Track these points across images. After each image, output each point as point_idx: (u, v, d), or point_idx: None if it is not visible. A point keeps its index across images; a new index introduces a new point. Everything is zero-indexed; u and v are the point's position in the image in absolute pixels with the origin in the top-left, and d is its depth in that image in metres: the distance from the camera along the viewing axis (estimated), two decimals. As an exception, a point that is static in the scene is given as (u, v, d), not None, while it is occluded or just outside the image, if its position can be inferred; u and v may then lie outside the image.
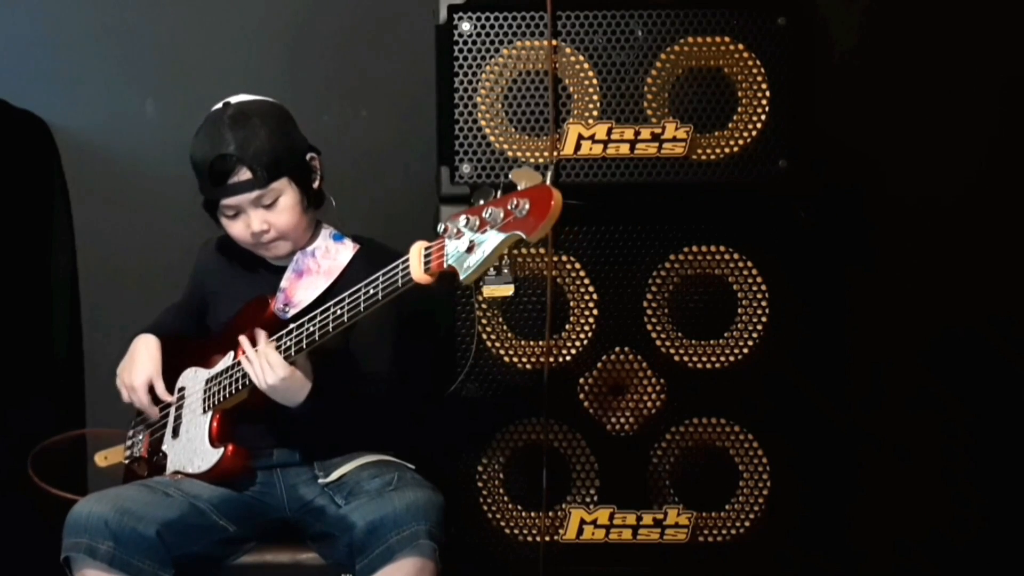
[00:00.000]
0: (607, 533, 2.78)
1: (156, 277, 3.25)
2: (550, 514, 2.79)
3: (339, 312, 2.41)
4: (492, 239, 2.19)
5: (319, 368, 2.51)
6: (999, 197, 3.27)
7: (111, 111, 3.38)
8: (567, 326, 2.78)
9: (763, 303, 2.77)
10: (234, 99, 2.63)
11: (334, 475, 2.59)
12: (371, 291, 2.37)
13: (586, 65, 2.74)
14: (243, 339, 2.52)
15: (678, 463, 2.79)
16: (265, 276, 2.68)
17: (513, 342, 2.78)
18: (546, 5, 2.72)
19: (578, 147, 2.74)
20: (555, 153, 2.73)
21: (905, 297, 3.29)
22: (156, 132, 3.37)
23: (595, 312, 2.78)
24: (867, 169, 3.27)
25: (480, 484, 2.79)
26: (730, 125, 2.75)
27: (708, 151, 2.75)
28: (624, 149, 2.74)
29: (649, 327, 2.78)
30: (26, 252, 3.23)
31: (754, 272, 2.77)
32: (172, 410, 2.67)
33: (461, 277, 2.24)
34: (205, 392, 2.61)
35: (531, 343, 2.78)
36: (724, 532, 2.79)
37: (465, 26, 2.74)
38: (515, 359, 2.78)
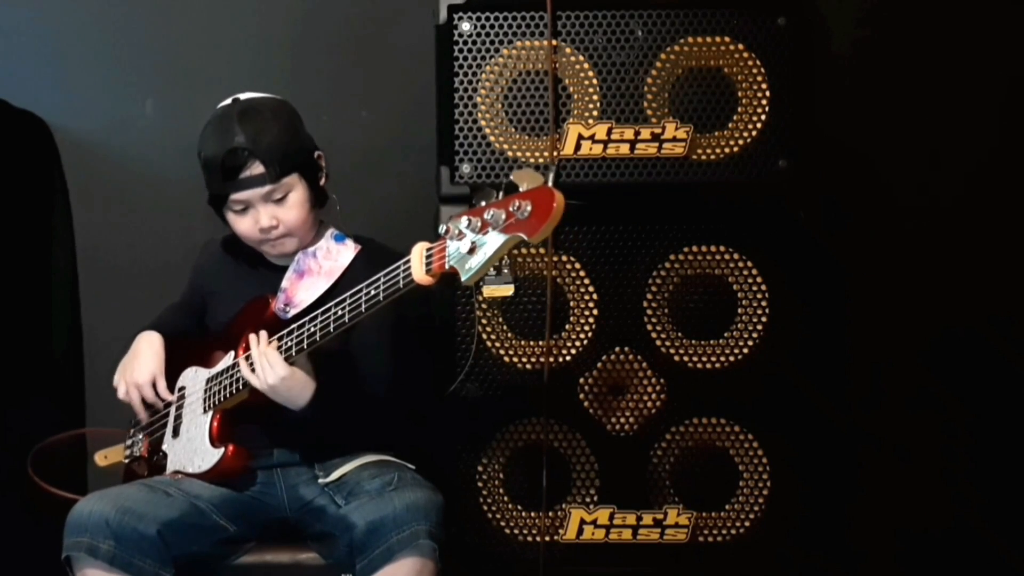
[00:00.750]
0: (607, 533, 2.78)
1: (156, 277, 3.25)
2: (550, 514, 2.79)
3: (340, 313, 2.41)
4: (494, 240, 2.19)
5: (322, 370, 2.51)
6: (999, 197, 3.27)
7: (111, 111, 3.38)
8: (567, 326, 2.78)
9: (763, 303, 2.77)
10: (242, 96, 2.63)
11: (334, 475, 2.59)
12: (372, 292, 2.37)
13: (586, 65, 2.74)
14: (252, 337, 2.52)
15: (678, 463, 2.79)
16: (266, 276, 2.68)
17: (513, 342, 2.78)
18: (546, 5, 2.72)
19: (578, 147, 2.74)
20: (555, 153, 2.73)
21: (905, 297, 3.29)
22: (156, 132, 3.37)
23: (595, 312, 2.78)
24: (867, 169, 3.27)
25: (480, 484, 2.79)
26: (730, 125, 2.75)
27: (708, 151, 2.75)
28: (624, 149, 2.74)
29: (649, 327, 2.78)
30: (26, 252, 3.23)
31: (754, 272, 2.77)
32: (172, 410, 2.67)
33: (463, 278, 2.24)
34: (205, 392, 2.61)
35: (531, 343, 2.78)
36: (724, 532, 2.79)
37: (465, 26, 2.74)
38: (515, 359, 2.78)
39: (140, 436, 2.74)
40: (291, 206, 2.60)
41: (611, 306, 2.78)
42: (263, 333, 2.50)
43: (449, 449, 2.79)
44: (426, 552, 2.39)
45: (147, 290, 3.12)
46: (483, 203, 2.22)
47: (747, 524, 2.79)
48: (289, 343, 2.47)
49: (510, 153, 2.75)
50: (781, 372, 2.76)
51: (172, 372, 2.69)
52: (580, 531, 2.79)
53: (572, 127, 2.74)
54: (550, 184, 2.17)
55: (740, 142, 2.75)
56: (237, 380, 2.54)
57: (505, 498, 2.80)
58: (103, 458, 2.83)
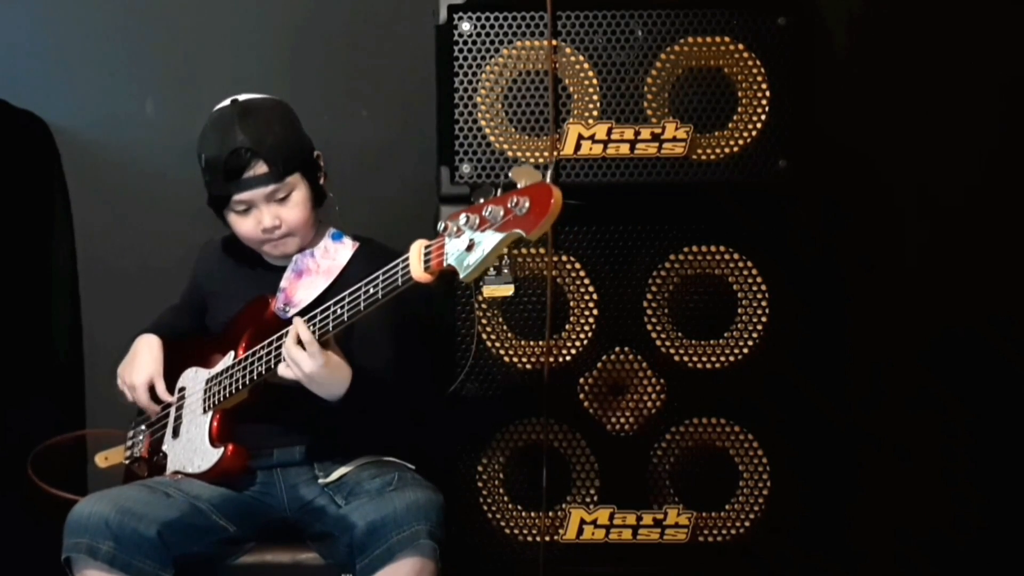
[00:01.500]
0: (607, 533, 2.78)
1: (156, 277, 3.25)
2: (550, 514, 2.79)
3: (339, 311, 2.41)
4: (492, 237, 2.19)
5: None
6: (999, 197, 3.27)
7: (111, 111, 3.38)
8: (567, 326, 2.78)
9: (763, 303, 2.77)
10: (240, 97, 2.63)
11: (334, 475, 2.59)
12: (371, 290, 2.37)
13: (586, 65, 2.74)
14: (298, 320, 2.44)
15: (678, 463, 2.79)
16: (265, 276, 2.68)
17: (513, 342, 2.78)
18: (546, 5, 2.72)
19: (578, 147, 2.74)
20: (555, 153, 2.73)
21: (905, 297, 3.29)
22: (156, 132, 3.37)
23: (595, 312, 2.78)
24: (867, 169, 3.27)
25: (480, 484, 2.79)
26: (730, 125, 2.75)
27: (708, 151, 2.75)
28: (624, 149, 2.74)
29: (649, 327, 2.78)
30: (26, 252, 3.23)
31: (754, 272, 2.77)
32: (172, 410, 2.68)
33: (461, 275, 2.24)
34: (205, 392, 2.61)
35: (531, 343, 2.78)
36: (724, 532, 2.79)
37: (465, 26, 2.74)
38: (515, 359, 2.78)
39: (140, 437, 2.74)
40: (293, 205, 2.60)
41: (611, 306, 2.78)
42: (298, 320, 2.45)
43: (449, 449, 2.79)
44: (426, 552, 2.39)
45: (147, 290, 3.12)
46: (481, 200, 2.22)
47: (747, 524, 2.79)
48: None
49: (510, 153, 2.75)
50: (781, 372, 2.76)
51: (172, 372, 2.70)
52: (580, 531, 2.79)
53: (572, 127, 2.74)
54: (548, 180, 2.17)
55: (740, 142, 2.75)
56: (237, 380, 2.54)
57: (505, 498, 2.80)
58: (103, 459, 2.83)
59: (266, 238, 2.62)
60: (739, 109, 2.75)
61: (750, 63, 2.74)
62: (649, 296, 2.78)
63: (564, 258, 2.77)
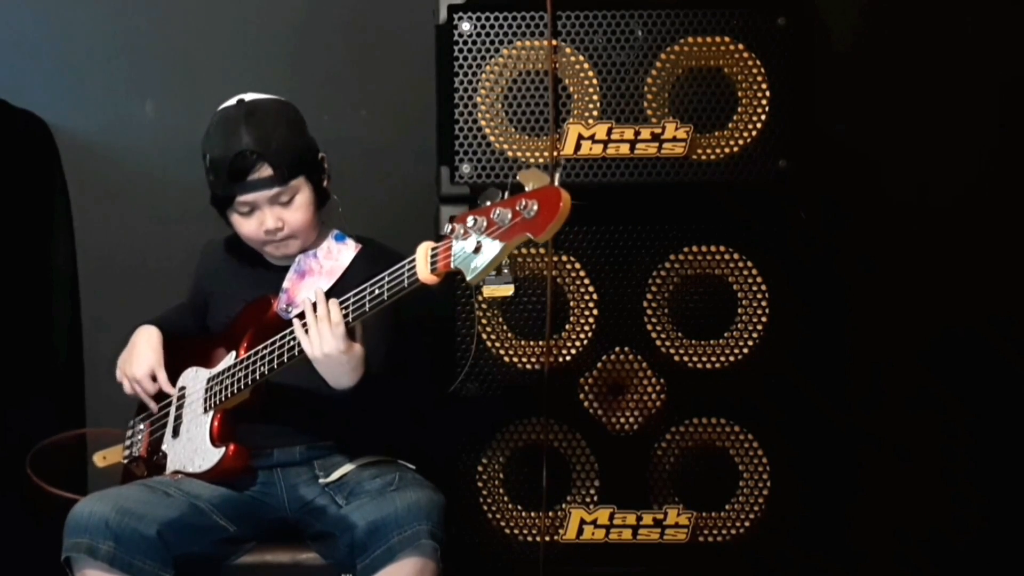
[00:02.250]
0: (607, 533, 2.78)
1: (156, 277, 3.25)
2: (550, 514, 2.79)
3: (343, 312, 2.41)
4: (500, 241, 2.19)
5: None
6: (999, 197, 3.27)
7: (111, 111, 3.38)
8: (567, 326, 2.78)
9: (763, 303, 2.77)
10: (247, 97, 2.63)
11: (334, 475, 2.60)
12: (376, 291, 2.37)
13: (586, 65, 2.74)
14: (319, 291, 2.43)
15: (678, 463, 2.79)
16: (267, 277, 2.68)
17: (513, 342, 2.78)
18: (546, 5, 2.72)
19: (578, 147, 2.74)
20: (555, 153, 2.73)
21: (905, 297, 3.29)
22: (156, 132, 3.37)
23: (595, 312, 2.78)
24: (867, 169, 3.27)
25: (480, 484, 2.79)
26: (730, 125, 2.75)
27: (708, 151, 2.75)
28: (624, 149, 2.74)
29: (649, 327, 2.78)
30: (26, 252, 3.23)
31: (754, 272, 2.77)
32: (172, 410, 2.67)
33: (468, 278, 2.23)
34: (206, 392, 2.61)
35: (531, 343, 2.78)
36: (724, 532, 2.79)
37: (465, 26, 2.74)
38: (515, 359, 2.78)
39: (139, 436, 2.74)
40: (297, 208, 2.60)
41: (611, 306, 2.78)
42: (323, 297, 2.42)
43: (449, 449, 2.79)
44: (427, 552, 2.39)
45: (147, 290, 3.13)
46: (488, 203, 2.22)
47: (747, 524, 2.79)
48: (292, 342, 2.46)
49: (510, 153, 2.75)
50: (781, 372, 2.76)
51: (173, 372, 2.69)
52: (580, 531, 2.79)
53: (572, 127, 2.74)
54: (556, 183, 2.17)
55: (740, 142, 2.75)
56: (238, 380, 2.54)
57: (505, 498, 2.80)
58: (102, 459, 2.83)
59: (268, 239, 2.62)
60: (739, 109, 2.75)
61: (750, 63, 2.74)
62: (649, 296, 2.78)
63: (564, 258, 2.77)
